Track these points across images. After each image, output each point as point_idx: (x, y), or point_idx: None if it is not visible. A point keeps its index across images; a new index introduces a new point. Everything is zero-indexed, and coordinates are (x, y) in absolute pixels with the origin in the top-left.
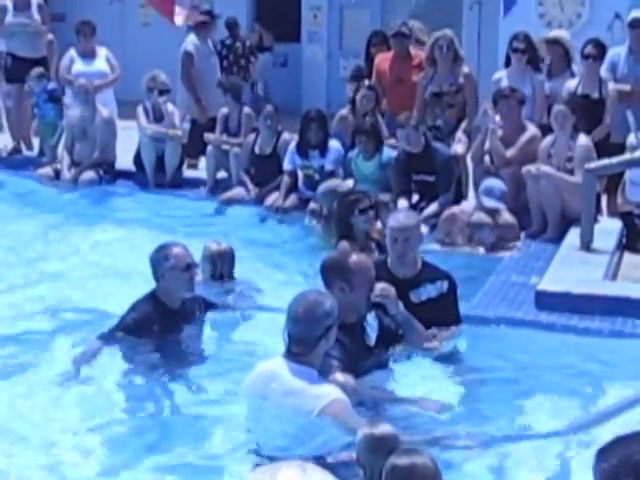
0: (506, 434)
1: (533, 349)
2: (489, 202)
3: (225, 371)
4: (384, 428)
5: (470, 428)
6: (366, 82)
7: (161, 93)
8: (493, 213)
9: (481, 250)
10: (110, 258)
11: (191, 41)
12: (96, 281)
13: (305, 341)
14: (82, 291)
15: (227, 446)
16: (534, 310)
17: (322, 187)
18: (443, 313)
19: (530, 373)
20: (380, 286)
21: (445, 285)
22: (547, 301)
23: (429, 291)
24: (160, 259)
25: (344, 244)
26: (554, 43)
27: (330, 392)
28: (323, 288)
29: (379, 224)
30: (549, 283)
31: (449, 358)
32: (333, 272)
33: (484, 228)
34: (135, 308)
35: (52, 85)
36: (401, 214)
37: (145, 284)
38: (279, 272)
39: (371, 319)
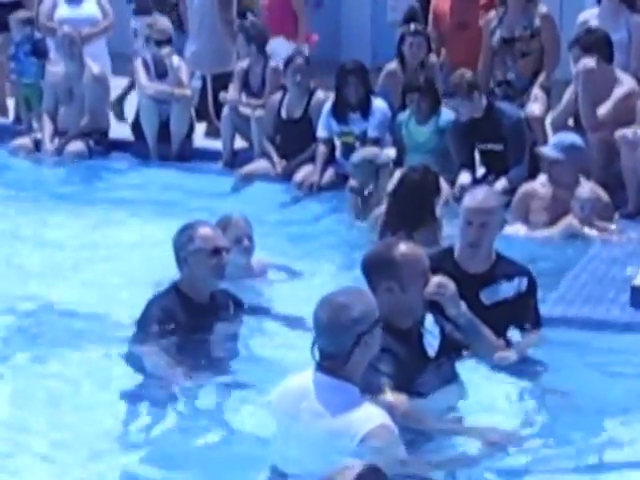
0: (598, 466)
1: (629, 358)
2: (550, 151)
3: (259, 379)
4: None
5: (549, 461)
6: (412, 26)
7: (159, 44)
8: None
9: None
10: (104, 247)
11: None
12: (88, 274)
13: (334, 354)
14: (71, 287)
15: (247, 462)
16: (629, 310)
17: (356, 157)
18: (520, 317)
19: (626, 389)
20: (436, 280)
21: (524, 283)
22: None
23: (505, 290)
24: (184, 241)
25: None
26: None
27: (375, 415)
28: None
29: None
30: None
31: (525, 370)
32: (377, 270)
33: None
34: (155, 303)
35: (38, 35)
36: (480, 193)
37: (146, 276)
38: (312, 264)
39: (430, 324)
